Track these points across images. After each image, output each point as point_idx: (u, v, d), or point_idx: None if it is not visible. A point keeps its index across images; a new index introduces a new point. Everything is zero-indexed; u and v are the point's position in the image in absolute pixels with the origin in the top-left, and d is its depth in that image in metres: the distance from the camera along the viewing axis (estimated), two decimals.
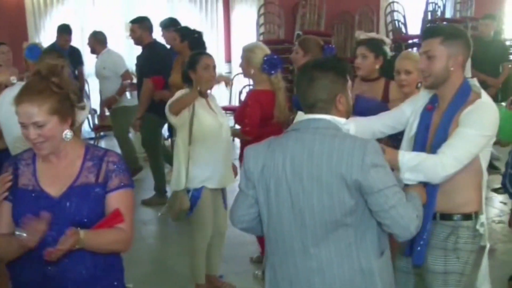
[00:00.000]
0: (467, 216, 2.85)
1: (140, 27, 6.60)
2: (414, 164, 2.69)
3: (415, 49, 9.80)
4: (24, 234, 2.25)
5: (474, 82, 2.92)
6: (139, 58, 6.71)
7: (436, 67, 2.81)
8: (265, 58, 4.62)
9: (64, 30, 7.98)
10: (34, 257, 2.35)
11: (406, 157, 2.72)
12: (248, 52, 4.71)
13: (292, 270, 2.42)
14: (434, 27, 2.97)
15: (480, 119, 2.73)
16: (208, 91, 4.37)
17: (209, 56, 4.45)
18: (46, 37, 8.95)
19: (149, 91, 6.30)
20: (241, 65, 4.84)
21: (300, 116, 2.59)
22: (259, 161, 2.44)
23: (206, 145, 4.22)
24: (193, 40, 5.84)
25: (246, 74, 4.88)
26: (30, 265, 2.43)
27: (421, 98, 3.02)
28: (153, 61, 6.38)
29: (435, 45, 2.81)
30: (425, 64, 2.84)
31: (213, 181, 4.30)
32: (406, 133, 3.05)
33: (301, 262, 2.39)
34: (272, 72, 4.66)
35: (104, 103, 7.45)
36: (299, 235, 2.37)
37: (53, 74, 2.39)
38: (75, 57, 7.96)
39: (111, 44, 7.73)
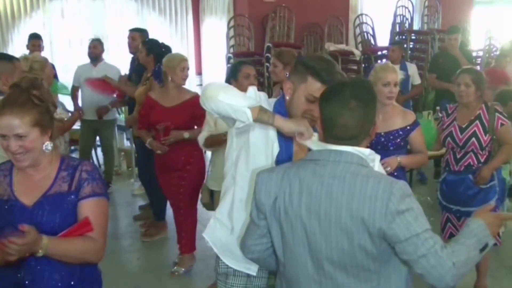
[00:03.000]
0: None
1: (141, 36, 6.65)
2: None
3: (384, 60, 9.91)
4: None
5: None
6: (140, 65, 6.45)
7: None
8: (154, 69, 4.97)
9: (33, 36, 7.90)
10: (7, 265, 2.33)
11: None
12: None
13: None
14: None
15: None
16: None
17: (250, 66, 4.62)
18: (15, 50, 8.86)
19: None
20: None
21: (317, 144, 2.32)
22: (272, 192, 2.24)
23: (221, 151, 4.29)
24: (159, 54, 5.81)
25: None
26: (3, 273, 2.43)
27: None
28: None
29: None
30: None
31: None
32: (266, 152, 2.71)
33: None
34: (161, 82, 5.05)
35: (97, 112, 7.37)
36: (317, 278, 2.18)
37: (34, 87, 2.42)
38: None
39: (82, 57, 7.70)
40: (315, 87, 2.52)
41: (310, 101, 2.54)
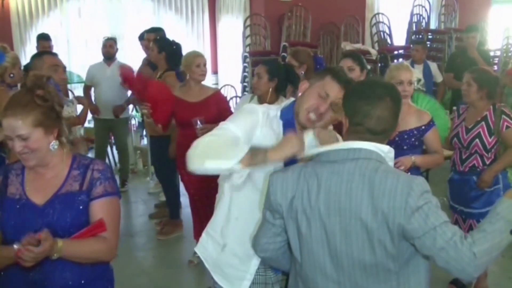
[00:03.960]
0: None
1: (155, 37, 6.57)
2: None
3: (400, 59, 9.87)
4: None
5: None
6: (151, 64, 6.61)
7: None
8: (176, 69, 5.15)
9: (42, 37, 7.78)
10: (19, 264, 2.34)
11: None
12: None
13: None
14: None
15: None
16: None
17: (260, 65, 4.71)
18: (32, 49, 8.90)
19: None
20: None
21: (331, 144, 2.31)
22: (288, 193, 2.22)
23: None
24: (170, 52, 5.85)
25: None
26: (14, 272, 2.44)
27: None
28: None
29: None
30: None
31: None
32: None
33: None
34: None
35: (113, 111, 7.40)
36: (335, 278, 2.17)
37: (38, 87, 2.41)
38: None
39: (98, 56, 7.71)
40: (331, 85, 2.54)
41: (321, 97, 2.55)
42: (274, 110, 2.70)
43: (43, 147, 2.42)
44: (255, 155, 2.33)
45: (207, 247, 2.85)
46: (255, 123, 2.58)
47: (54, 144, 2.46)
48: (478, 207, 4.40)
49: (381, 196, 2.02)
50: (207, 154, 2.34)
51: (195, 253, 5.34)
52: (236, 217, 2.71)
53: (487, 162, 4.39)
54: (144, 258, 5.69)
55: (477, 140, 4.34)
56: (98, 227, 2.44)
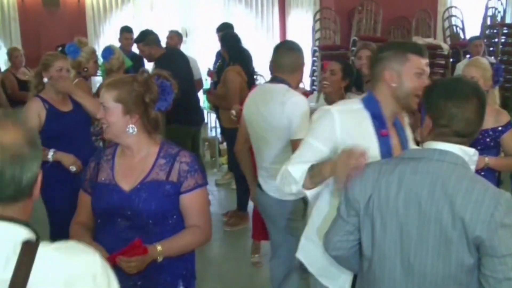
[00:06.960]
0: None
1: (144, 44, 6.42)
2: None
3: None
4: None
5: None
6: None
7: None
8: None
9: (125, 29, 8.07)
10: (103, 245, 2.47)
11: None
12: None
13: None
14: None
15: None
16: None
17: (333, 62, 4.66)
18: (105, 41, 9.15)
19: None
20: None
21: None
22: (367, 189, 2.15)
23: None
24: (228, 46, 6.02)
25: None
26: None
27: (338, 124, 2.56)
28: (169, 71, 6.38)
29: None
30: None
31: None
32: None
33: None
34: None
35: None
36: (404, 284, 2.09)
37: (143, 74, 2.60)
38: (138, 64, 8.06)
39: None
40: (419, 61, 2.54)
41: (419, 75, 2.54)
42: (356, 103, 2.64)
43: (118, 124, 2.53)
44: (317, 173, 2.47)
45: (309, 252, 2.81)
46: (332, 125, 2.54)
47: (131, 127, 2.54)
48: None
49: (465, 205, 1.94)
50: (284, 182, 2.62)
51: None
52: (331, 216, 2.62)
53: None
54: (210, 249, 5.76)
55: None
56: (136, 247, 2.44)
